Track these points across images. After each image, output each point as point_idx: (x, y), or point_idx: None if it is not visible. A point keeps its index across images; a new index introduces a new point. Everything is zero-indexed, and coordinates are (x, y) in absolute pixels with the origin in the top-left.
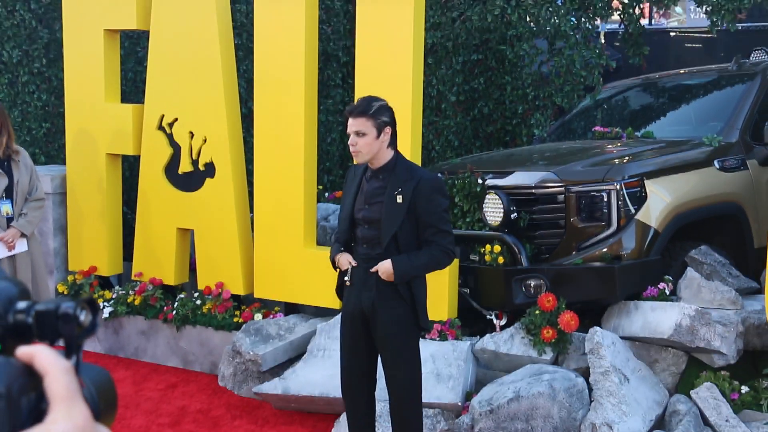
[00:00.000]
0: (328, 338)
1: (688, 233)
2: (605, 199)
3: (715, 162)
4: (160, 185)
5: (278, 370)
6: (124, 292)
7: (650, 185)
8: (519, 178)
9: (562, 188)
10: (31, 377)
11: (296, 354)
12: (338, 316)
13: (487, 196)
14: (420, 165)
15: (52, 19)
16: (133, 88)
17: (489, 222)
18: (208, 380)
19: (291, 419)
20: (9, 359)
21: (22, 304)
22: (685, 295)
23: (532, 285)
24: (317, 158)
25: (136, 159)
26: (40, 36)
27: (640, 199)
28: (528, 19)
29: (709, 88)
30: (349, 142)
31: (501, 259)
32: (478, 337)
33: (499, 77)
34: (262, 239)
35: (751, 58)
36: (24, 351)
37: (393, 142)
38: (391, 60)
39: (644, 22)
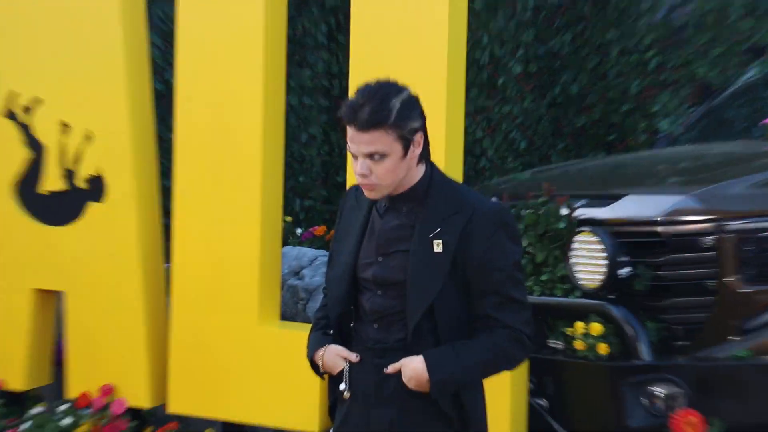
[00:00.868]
0: None
1: None
2: None
3: None
4: (6, 212)
5: None
6: None
7: None
8: (633, 207)
9: (711, 224)
10: None
11: None
12: None
13: (578, 238)
14: (463, 182)
15: None
16: None
17: (581, 282)
18: None
19: None
20: None
21: None
22: None
23: (659, 394)
24: (284, 170)
25: None
26: None
27: None
28: None
29: None
30: (355, 170)
31: (603, 348)
32: None
33: (597, 33)
34: (185, 310)
35: None
36: None
37: (424, 152)
38: (410, 2)
39: None
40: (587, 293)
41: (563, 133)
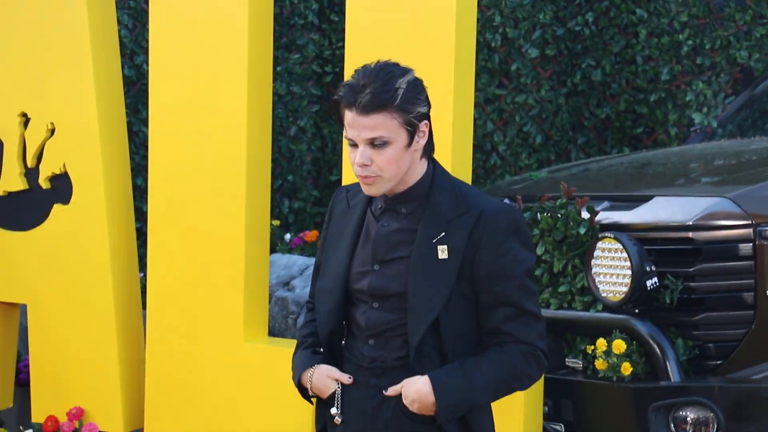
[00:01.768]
0: None
1: None
2: None
3: None
4: None
5: None
6: None
7: None
8: (663, 211)
9: (750, 230)
10: None
11: None
12: None
13: (600, 245)
14: (471, 183)
15: None
16: None
17: (604, 295)
18: None
19: None
20: None
21: None
22: None
23: (689, 419)
24: (272, 167)
25: None
26: None
27: None
28: None
29: None
30: (353, 161)
31: (627, 368)
32: None
33: (623, 12)
34: (162, 325)
35: None
36: None
37: (428, 147)
38: None
39: None
40: (610, 307)
41: (584, 126)
